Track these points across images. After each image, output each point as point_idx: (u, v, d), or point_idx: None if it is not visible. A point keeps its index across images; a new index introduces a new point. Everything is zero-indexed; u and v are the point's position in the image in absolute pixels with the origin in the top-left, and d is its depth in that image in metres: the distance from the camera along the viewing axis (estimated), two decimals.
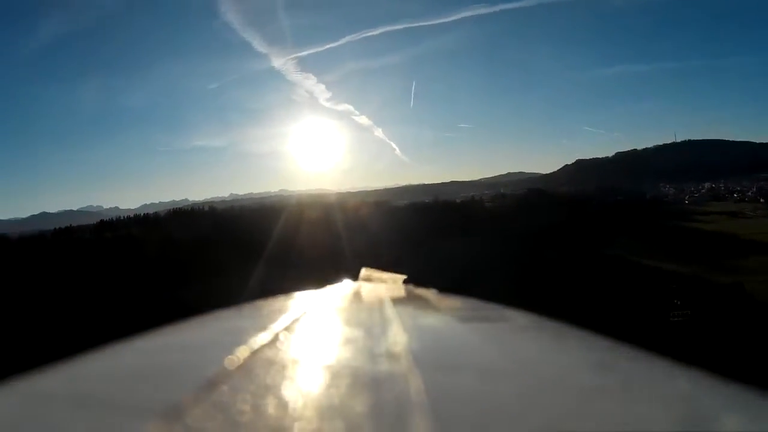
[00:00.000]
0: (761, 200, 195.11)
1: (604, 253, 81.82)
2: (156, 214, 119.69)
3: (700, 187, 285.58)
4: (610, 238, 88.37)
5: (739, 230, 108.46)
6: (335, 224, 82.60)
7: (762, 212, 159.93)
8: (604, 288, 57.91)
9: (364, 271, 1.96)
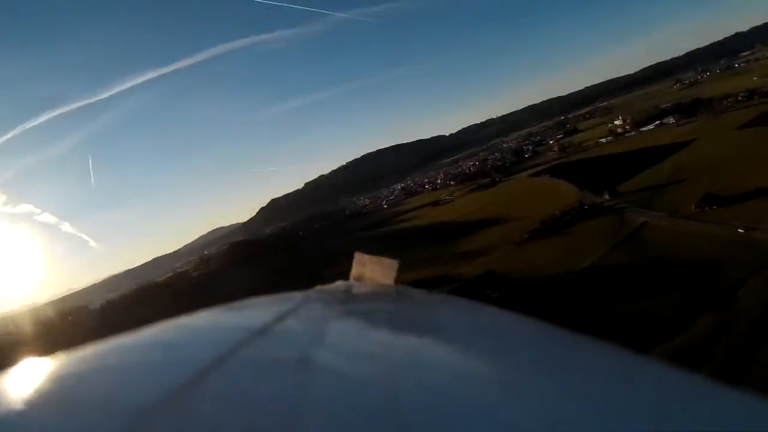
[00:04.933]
0: (452, 183, 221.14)
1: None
2: None
3: (392, 190, 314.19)
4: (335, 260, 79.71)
5: (446, 217, 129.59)
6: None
7: (460, 193, 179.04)
8: None
9: None
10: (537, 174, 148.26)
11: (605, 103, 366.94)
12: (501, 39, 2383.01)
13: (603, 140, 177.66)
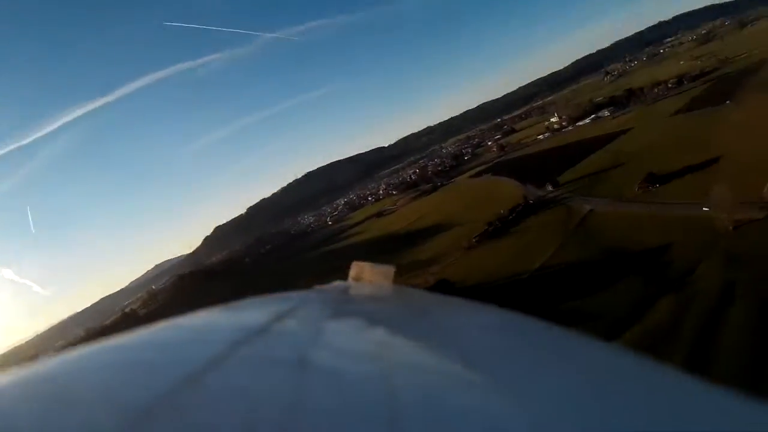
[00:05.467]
0: (394, 192, 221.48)
1: None
2: None
3: (336, 205, 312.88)
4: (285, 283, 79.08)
5: (392, 227, 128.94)
6: None
7: (403, 201, 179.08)
8: None
9: None
10: (478, 174, 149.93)
11: (540, 102, 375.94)
12: (432, 48, 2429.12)
13: (541, 137, 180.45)
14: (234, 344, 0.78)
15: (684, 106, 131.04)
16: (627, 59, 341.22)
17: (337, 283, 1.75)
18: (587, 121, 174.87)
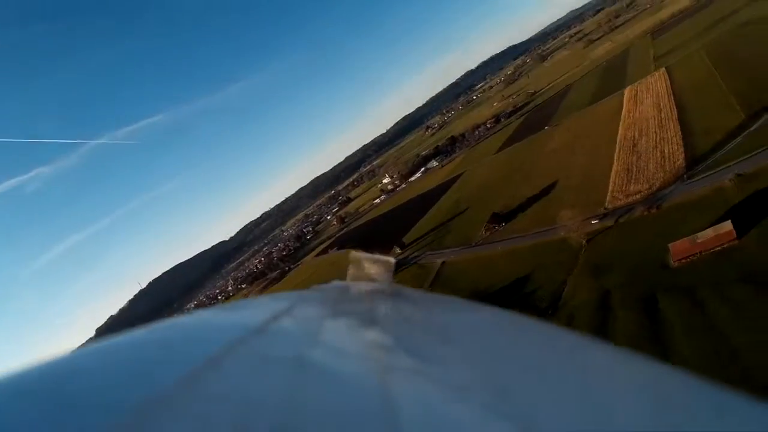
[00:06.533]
0: (243, 286, 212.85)
1: None
2: None
3: (186, 309, 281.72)
4: None
5: None
6: None
7: (253, 293, 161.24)
8: None
9: None
10: (324, 251, 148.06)
11: (369, 167, 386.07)
12: (259, 133, 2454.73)
13: (377, 200, 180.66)
14: (232, 343, 0.78)
15: (506, 141, 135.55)
16: (444, 111, 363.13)
17: (336, 283, 1.75)
18: (418, 174, 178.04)
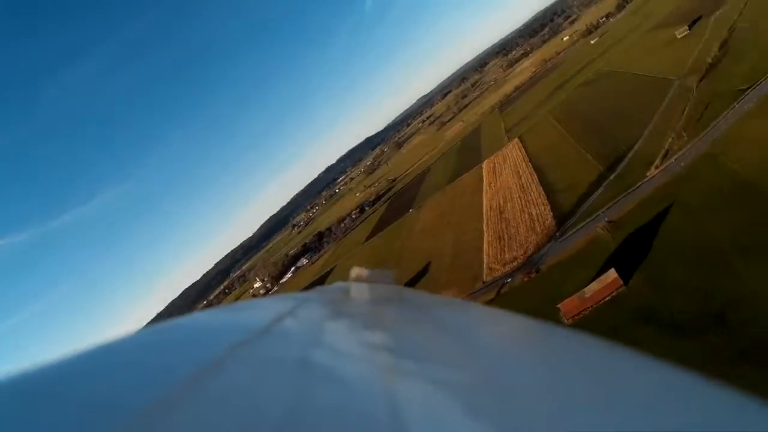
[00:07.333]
0: None
1: None
2: None
3: None
4: None
5: None
6: None
7: None
8: None
9: None
10: None
11: (239, 272, 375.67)
12: (122, 253, 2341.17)
13: None
14: (235, 345, 0.80)
15: (373, 229, 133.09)
16: (309, 208, 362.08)
17: (338, 284, 1.77)
18: (289, 275, 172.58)
